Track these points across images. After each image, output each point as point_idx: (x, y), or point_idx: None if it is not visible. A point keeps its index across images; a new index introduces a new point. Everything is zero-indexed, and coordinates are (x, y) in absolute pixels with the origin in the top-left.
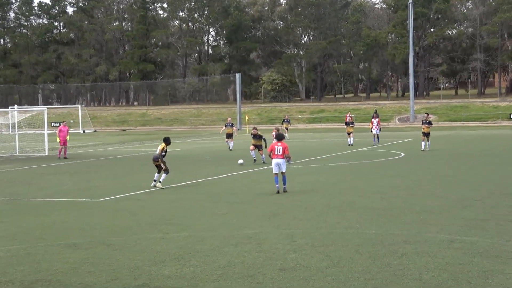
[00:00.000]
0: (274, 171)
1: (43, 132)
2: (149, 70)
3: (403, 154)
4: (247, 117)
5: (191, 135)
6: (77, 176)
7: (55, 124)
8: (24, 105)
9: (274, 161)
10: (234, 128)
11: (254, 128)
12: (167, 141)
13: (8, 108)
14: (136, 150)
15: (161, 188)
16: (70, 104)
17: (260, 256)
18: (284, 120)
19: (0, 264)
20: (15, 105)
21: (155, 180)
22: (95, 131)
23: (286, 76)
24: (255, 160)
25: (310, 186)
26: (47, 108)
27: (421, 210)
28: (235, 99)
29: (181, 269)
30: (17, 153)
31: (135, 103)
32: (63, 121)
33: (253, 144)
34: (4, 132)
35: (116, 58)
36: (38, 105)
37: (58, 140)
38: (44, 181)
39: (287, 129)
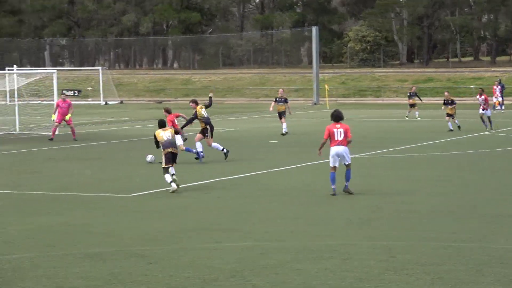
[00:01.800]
0: (332, 164)
1: (51, 102)
2: (193, 21)
3: None
4: (327, 87)
5: (251, 110)
6: (99, 163)
7: (67, 92)
8: (26, 66)
9: (334, 149)
10: (288, 104)
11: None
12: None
13: (4, 69)
14: None
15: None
16: (87, 66)
17: (347, 276)
18: (410, 94)
19: None
20: (14, 66)
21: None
22: (121, 102)
23: (381, 32)
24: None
25: (412, 183)
26: (57, 70)
27: None
28: (310, 62)
29: None
30: (17, 130)
31: (175, 65)
32: (62, 94)
33: (278, 112)
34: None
35: (149, 5)
36: (44, 66)
37: (53, 118)
38: (54, 169)
39: (413, 106)
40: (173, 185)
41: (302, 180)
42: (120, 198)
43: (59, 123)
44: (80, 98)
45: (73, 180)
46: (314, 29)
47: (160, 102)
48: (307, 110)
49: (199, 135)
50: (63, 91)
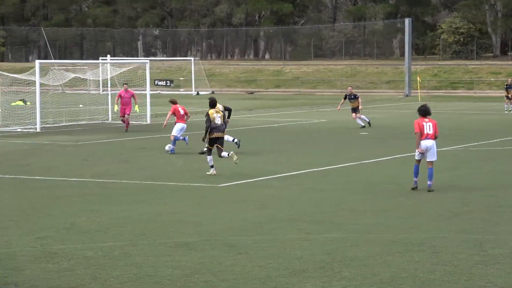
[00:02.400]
0: (417, 157)
1: (143, 92)
2: (286, 12)
3: None
4: (419, 79)
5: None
6: (189, 153)
7: (159, 83)
8: (119, 56)
9: (423, 143)
10: (360, 100)
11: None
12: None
13: (98, 59)
14: (269, 121)
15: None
16: (179, 56)
17: (436, 270)
18: (507, 86)
19: (89, 267)
20: (108, 55)
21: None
22: (213, 92)
23: (475, 24)
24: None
25: (505, 176)
26: (150, 60)
27: None
28: (402, 54)
29: (329, 283)
30: (110, 119)
31: (267, 56)
32: (125, 84)
33: (352, 108)
34: (93, 91)
35: None
36: (137, 56)
37: (116, 109)
38: (145, 159)
39: (510, 98)
40: (212, 170)
41: (391, 173)
42: (210, 188)
43: (123, 116)
44: (172, 88)
45: (164, 170)
46: (407, 21)
47: (251, 93)
48: (398, 102)
49: None
50: (156, 81)
